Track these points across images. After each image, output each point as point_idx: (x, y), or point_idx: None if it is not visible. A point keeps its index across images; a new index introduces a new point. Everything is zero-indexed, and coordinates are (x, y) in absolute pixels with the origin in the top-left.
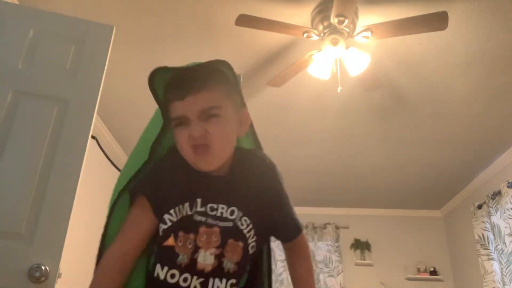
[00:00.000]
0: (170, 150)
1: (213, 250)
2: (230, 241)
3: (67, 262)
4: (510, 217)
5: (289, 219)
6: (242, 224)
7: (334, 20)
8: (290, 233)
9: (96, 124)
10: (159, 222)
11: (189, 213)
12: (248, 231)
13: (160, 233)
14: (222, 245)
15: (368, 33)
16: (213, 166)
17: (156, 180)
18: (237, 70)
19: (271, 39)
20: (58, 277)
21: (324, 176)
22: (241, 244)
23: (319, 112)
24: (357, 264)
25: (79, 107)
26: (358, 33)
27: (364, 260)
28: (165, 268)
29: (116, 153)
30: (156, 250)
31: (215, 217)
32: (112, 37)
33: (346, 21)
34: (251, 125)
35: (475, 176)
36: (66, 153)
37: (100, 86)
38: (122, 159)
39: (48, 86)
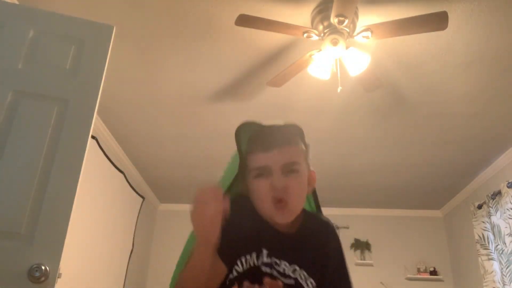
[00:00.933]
0: (238, 199)
1: None
2: None
3: (67, 262)
4: (510, 217)
5: (345, 284)
6: (307, 285)
7: (334, 20)
8: None
9: (96, 124)
10: (229, 272)
11: (256, 264)
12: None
13: (227, 282)
14: None
15: (368, 33)
16: (288, 220)
17: (227, 235)
18: (237, 70)
19: (271, 39)
20: (58, 277)
21: (324, 176)
22: None
23: (319, 112)
24: (357, 264)
25: (79, 107)
26: (358, 33)
27: (364, 260)
28: None
29: (116, 153)
30: None
31: (278, 272)
32: (112, 37)
33: (346, 21)
34: (314, 188)
35: (475, 176)
36: (66, 153)
37: (100, 86)
38: (122, 159)
39: (48, 86)
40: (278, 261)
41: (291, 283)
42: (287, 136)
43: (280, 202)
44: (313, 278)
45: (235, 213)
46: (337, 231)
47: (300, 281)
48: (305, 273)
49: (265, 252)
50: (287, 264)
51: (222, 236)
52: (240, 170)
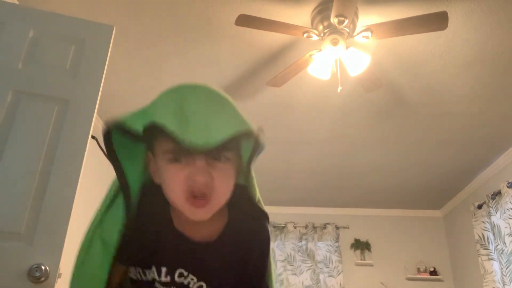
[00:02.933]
0: (148, 189)
1: None
2: None
3: (67, 262)
4: (510, 217)
5: None
6: None
7: (334, 20)
8: None
9: (96, 124)
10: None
11: (149, 279)
12: None
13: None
14: None
15: (368, 33)
16: (205, 218)
17: (127, 236)
18: (237, 70)
19: (271, 39)
20: (58, 277)
21: (324, 176)
22: None
23: (319, 112)
24: (357, 264)
25: (79, 107)
26: (358, 33)
27: (364, 260)
28: None
29: None
30: None
31: (181, 285)
32: (112, 37)
33: (346, 21)
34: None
35: (475, 176)
36: (66, 153)
37: (100, 86)
38: None
39: (48, 86)
40: (185, 273)
41: None
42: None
43: (199, 198)
44: None
45: (142, 208)
46: (337, 231)
47: None
48: None
49: (163, 269)
50: (194, 279)
51: (122, 236)
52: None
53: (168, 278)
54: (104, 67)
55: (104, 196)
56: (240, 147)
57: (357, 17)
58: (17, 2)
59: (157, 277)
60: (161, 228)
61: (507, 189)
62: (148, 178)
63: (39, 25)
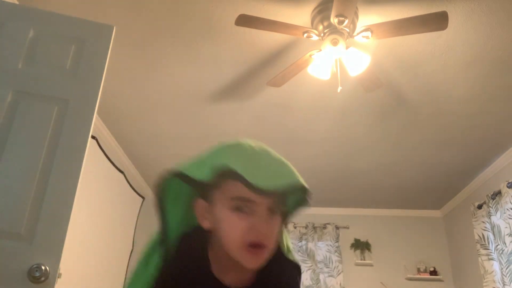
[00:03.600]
0: (189, 236)
1: None
2: None
3: (67, 262)
4: (510, 217)
5: None
6: None
7: (334, 20)
8: None
9: (96, 124)
10: None
11: None
12: None
13: None
14: None
15: (368, 33)
16: (258, 266)
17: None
18: (237, 70)
19: (271, 39)
20: (58, 277)
21: (324, 176)
22: None
23: (319, 112)
24: (357, 264)
25: (79, 107)
26: (358, 33)
27: (364, 260)
28: None
29: (116, 153)
30: None
31: None
32: (112, 37)
33: (346, 21)
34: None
35: (475, 176)
36: (66, 153)
37: (100, 86)
38: (122, 159)
39: (48, 86)
40: None
41: None
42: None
43: (257, 247)
44: None
45: (179, 253)
46: (337, 231)
47: None
48: None
49: None
50: None
51: (156, 282)
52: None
53: None
54: (104, 67)
55: (143, 253)
56: (286, 201)
57: (357, 17)
58: (17, 2)
59: None
60: (197, 272)
61: (507, 189)
62: (191, 223)
63: (39, 25)
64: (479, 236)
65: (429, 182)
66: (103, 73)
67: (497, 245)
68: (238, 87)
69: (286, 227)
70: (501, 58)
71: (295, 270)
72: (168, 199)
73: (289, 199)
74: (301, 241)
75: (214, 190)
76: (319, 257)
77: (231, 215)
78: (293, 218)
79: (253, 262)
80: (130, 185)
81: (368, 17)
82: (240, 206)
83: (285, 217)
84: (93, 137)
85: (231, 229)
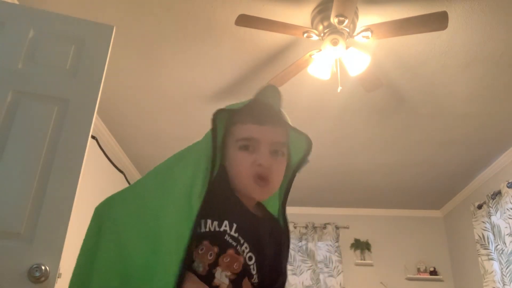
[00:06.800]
0: (220, 170)
1: (229, 274)
2: (245, 280)
3: (67, 262)
4: (510, 217)
5: (285, 277)
6: (253, 279)
7: (334, 20)
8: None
9: (96, 124)
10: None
11: (221, 230)
12: (254, 278)
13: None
14: (240, 277)
15: (368, 33)
16: (266, 197)
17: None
18: (237, 70)
19: (271, 39)
20: (58, 277)
21: (324, 176)
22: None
23: (319, 112)
24: (357, 264)
25: (79, 107)
26: (358, 33)
27: (364, 260)
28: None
29: (116, 153)
30: None
31: (241, 246)
32: (112, 37)
33: (346, 21)
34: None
35: (475, 176)
36: (66, 153)
37: (100, 86)
38: (122, 159)
39: (48, 86)
40: (242, 241)
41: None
42: (281, 116)
43: (262, 179)
44: (259, 274)
45: (220, 175)
46: (337, 231)
47: (252, 272)
48: (256, 266)
49: (234, 225)
50: (248, 248)
51: (206, 193)
52: (216, 144)
53: (237, 234)
54: (104, 67)
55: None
56: (290, 149)
57: (357, 17)
58: (17, 2)
59: (228, 230)
60: (230, 195)
61: (507, 189)
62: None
63: (39, 25)
64: (479, 236)
65: (429, 182)
66: (103, 73)
67: (497, 245)
68: (238, 87)
69: (293, 179)
70: (501, 58)
71: (287, 226)
72: (218, 129)
73: (292, 151)
74: (301, 241)
75: (226, 136)
76: (319, 257)
77: (238, 153)
78: (299, 168)
79: (259, 192)
80: None
81: (368, 17)
82: (245, 145)
83: (290, 165)
84: (93, 137)
85: (238, 164)
